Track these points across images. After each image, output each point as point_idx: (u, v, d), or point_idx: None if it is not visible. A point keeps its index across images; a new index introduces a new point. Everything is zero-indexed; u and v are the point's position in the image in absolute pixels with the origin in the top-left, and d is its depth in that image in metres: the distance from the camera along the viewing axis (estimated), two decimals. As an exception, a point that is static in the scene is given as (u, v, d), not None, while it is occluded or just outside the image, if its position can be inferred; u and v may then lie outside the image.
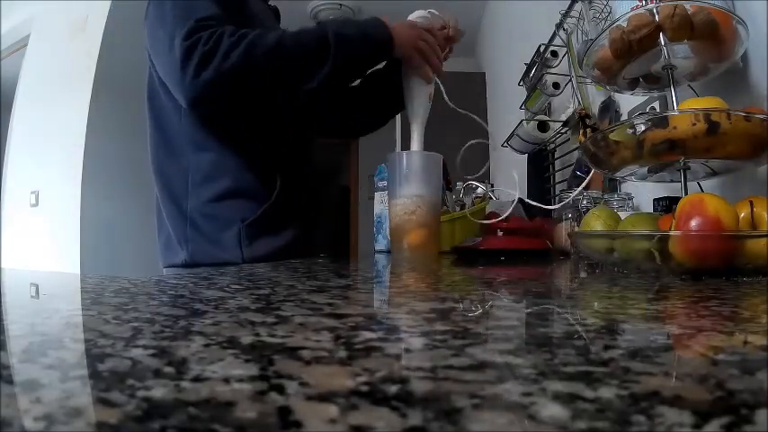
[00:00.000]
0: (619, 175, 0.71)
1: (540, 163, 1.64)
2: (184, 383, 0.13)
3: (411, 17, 0.87)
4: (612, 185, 1.09)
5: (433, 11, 0.88)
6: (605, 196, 0.93)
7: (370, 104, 1.00)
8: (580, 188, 0.81)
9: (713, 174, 0.65)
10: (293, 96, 0.78)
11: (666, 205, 0.78)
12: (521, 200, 0.86)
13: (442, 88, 0.89)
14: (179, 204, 0.81)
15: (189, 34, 0.69)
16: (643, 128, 0.58)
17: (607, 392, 0.12)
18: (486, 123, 2.80)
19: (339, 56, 0.74)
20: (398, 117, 3.04)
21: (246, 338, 0.18)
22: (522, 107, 1.67)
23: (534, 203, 0.88)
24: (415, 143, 0.84)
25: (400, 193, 0.80)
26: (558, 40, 1.36)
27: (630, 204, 0.91)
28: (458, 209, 1.21)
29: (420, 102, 0.85)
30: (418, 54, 0.82)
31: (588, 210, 0.70)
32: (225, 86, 0.70)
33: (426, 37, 0.83)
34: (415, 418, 0.11)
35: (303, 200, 0.87)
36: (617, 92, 0.93)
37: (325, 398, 0.12)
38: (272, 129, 0.83)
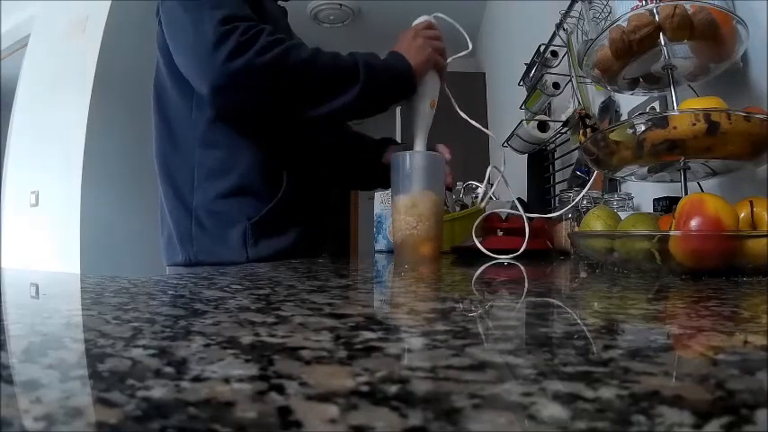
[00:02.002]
0: (619, 175, 0.71)
1: (540, 163, 1.65)
2: (184, 383, 0.13)
3: (415, 23, 0.86)
4: (612, 185, 1.09)
5: (438, 14, 0.87)
6: (605, 196, 0.93)
7: (354, 172, 1.05)
8: (583, 192, 0.80)
9: (713, 174, 0.65)
10: (317, 117, 0.76)
11: (666, 205, 0.78)
12: (520, 200, 0.86)
13: (450, 96, 0.88)
14: (184, 200, 0.80)
15: (227, 20, 0.68)
16: (643, 128, 0.58)
17: (607, 392, 0.12)
18: (487, 126, 2.78)
19: (367, 81, 0.75)
20: (397, 119, 3.05)
21: (246, 338, 0.18)
22: (522, 107, 1.67)
23: (537, 216, 0.88)
24: (418, 150, 0.84)
25: (403, 196, 0.79)
26: (558, 40, 1.36)
27: (630, 204, 0.91)
28: (458, 209, 1.21)
29: (423, 110, 0.83)
30: (428, 56, 0.81)
31: (588, 210, 0.70)
32: (252, 80, 0.69)
33: (423, 33, 0.82)
34: (415, 418, 0.11)
35: (309, 200, 0.87)
36: (617, 92, 0.93)
37: (325, 398, 0.12)
38: (281, 129, 0.82)
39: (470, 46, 0.89)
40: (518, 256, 0.74)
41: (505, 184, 0.91)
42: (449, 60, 0.87)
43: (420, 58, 0.80)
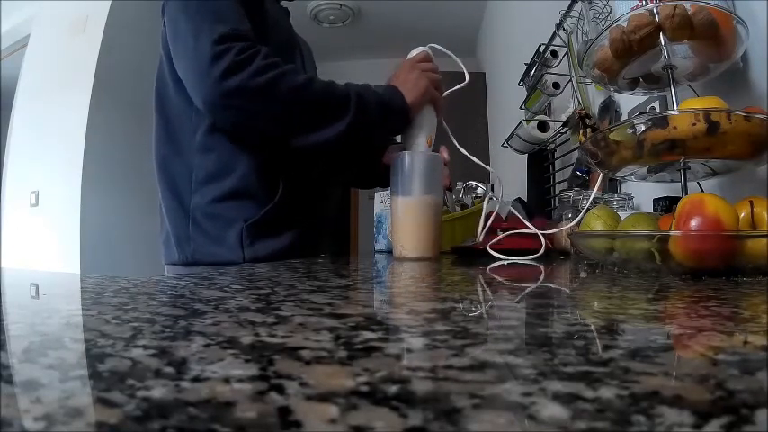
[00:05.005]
0: (619, 175, 0.71)
1: (540, 163, 1.65)
2: (184, 383, 0.13)
3: (410, 55, 0.86)
4: (612, 185, 1.09)
5: (433, 45, 0.87)
6: (605, 196, 0.93)
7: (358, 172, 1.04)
8: (592, 196, 0.80)
9: (713, 174, 0.65)
10: (305, 146, 0.76)
11: (666, 205, 0.78)
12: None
13: (448, 130, 0.88)
14: (182, 201, 0.80)
15: (223, 39, 0.68)
16: (643, 128, 0.58)
17: (607, 392, 0.12)
18: (487, 125, 2.75)
19: (358, 114, 0.74)
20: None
21: (246, 338, 0.18)
22: (522, 107, 1.67)
23: (550, 232, 0.86)
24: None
25: (401, 197, 0.79)
26: (558, 40, 1.36)
27: (630, 204, 0.91)
28: (458, 209, 1.21)
29: (420, 146, 0.83)
30: (424, 89, 0.81)
31: (588, 210, 0.70)
32: (244, 101, 0.70)
33: (420, 66, 0.82)
34: (415, 418, 0.11)
35: (306, 203, 0.87)
36: (617, 92, 0.93)
37: (325, 398, 0.12)
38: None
39: (467, 77, 0.87)
40: (516, 255, 0.74)
41: (501, 193, 0.91)
42: (445, 94, 0.86)
43: (416, 92, 0.80)
